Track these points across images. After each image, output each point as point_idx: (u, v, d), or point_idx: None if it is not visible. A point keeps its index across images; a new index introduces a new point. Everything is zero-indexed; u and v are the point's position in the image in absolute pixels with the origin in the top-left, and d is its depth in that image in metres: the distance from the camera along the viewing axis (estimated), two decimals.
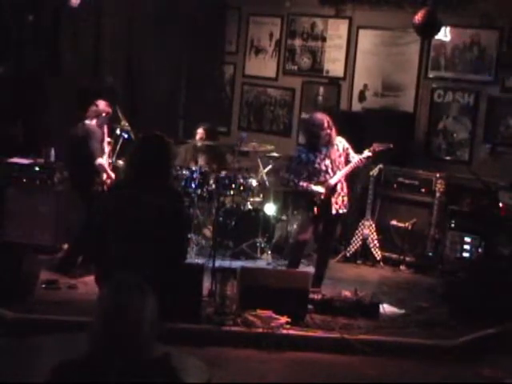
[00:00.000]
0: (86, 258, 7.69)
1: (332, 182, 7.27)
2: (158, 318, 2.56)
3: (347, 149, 7.35)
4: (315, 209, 7.31)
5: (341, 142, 7.33)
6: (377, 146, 7.49)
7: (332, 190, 7.28)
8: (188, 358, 3.81)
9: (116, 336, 2.46)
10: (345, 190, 7.40)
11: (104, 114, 7.74)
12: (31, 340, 4.37)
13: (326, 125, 7.18)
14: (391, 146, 7.69)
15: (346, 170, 7.30)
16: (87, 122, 7.67)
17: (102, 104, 7.74)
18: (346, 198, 7.39)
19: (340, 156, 7.31)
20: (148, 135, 5.34)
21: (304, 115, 10.82)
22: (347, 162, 7.33)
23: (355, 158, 7.30)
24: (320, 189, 7.24)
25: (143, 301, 2.51)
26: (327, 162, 7.29)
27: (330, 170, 7.29)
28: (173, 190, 5.36)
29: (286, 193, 9.48)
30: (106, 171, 7.59)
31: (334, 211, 7.32)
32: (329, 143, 7.24)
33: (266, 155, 9.46)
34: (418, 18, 8.65)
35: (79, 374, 2.47)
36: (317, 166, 7.29)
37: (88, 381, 2.45)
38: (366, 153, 7.36)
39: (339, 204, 7.34)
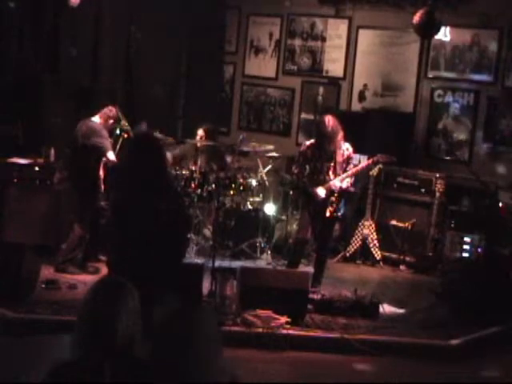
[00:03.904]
0: (86, 255, 7.71)
1: (332, 183, 7.29)
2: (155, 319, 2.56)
3: (350, 159, 7.38)
4: (312, 208, 7.34)
5: (348, 150, 7.35)
6: (381, 157, 7.66)
7: (331, 191, 7.30)
8: None
9: (93, 337, 2.46)
10: (340, 195, 7.41)
11: (112, 121, 7.79)
12: (31, 340, 4.37)
13: (331, 131, 7.18)
14: (394, 159, 7.78)
15: (347, 174, 7.31)
16: (93, 118, 7.69)
17: (114, 111, 7.79)
18: (340, 203, 7.42)
19: (343, 162, 7.33)
20: (138, 135, 5.34)
21: (304, 115, 10.85)
22: (345, 170, 7.36)
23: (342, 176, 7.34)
24: (320, 190, 7.24)
25: (123, 300, 2.51)
26: (331, 163, 7.30)
27: (330, 172, 7.31)
28: (172, 190, 5.35)
29: (286, 192, 9.49)
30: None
31: (328, 213, 7.34)
32: (335, 146, 7.26)
33: (265, 155, 9.46)
34: (417, 17, 8.67)
35: (75, 374, 2.47)
36: (318, 164, 7.31)
37: (84, 381, 2.45)
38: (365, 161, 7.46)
39: (334, 207, 7.36)
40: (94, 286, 2.59)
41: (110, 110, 7.78)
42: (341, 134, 7.24)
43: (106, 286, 2.60)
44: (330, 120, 7.22)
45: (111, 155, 7.59)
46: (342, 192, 7.45)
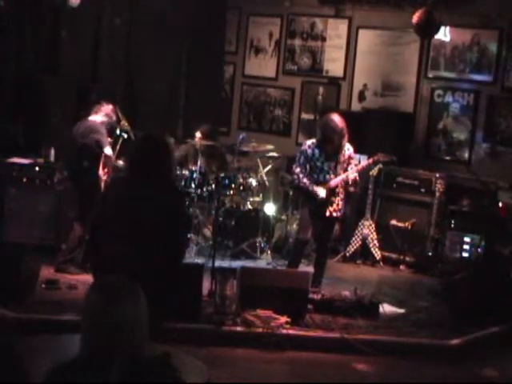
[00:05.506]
0: (86, 256, 7.71)
1: (332, 183, 7.29)
2: (154, 319, 2.55)
3: (350, 159, 7.37)
4: (313, 207, 7.34)
5: (349, 150, 7.35)
6: (381, 156, 7.69)
7: (331, 191, 7.30)
8: (187, 358, 3.81)
9: (106, 338, 2.45)
10: (341, 195, 7.40)
11: (108, 117, 7.77)
12: (31, 340, 4.37)
13: (340, 130, 7.18)
14: (395, 158, 7.80)
15: (346, 174, 7.30)
16: (90, 118, 7.69)
17: (105, 104, 7.78)
18: (341, 203, 7.40)
19: (344, 162, 7.33)
20: (148, 135, 5.34)
21: (304, 115, 10.85)
22: (345, 170, 7.36)
23: (353, 169, 7.34)
24: (320, 190, 7.24)
25: (133, 302, 2.50)
26: (332, 163, 7.30)
27: (331, 172, 7.30)
28: (174, 190, 5.35)
29: (286, 192, 9.49)
30: (110, 164, 7.62)
31: (327, 213, 7.34)
32: (338, 147, 7.25)
33: (265, 155, 9.47)
34: (416, 17, 8.68)
35: (74, 376, 2.46)
36: (319, 164, 7.31)
37: (87, 381, 2.45)
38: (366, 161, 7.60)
39: (334, 207, 7.35)
40: (100, 287, 2.56)
41: (101, 104, 7.77)
42: (347, 136, 7.25)
43: (118, 286, 2.57)
44: (339, 119, 7.21)
45: (108, 150, 7.57)
46: (346, 193, 7.46)
